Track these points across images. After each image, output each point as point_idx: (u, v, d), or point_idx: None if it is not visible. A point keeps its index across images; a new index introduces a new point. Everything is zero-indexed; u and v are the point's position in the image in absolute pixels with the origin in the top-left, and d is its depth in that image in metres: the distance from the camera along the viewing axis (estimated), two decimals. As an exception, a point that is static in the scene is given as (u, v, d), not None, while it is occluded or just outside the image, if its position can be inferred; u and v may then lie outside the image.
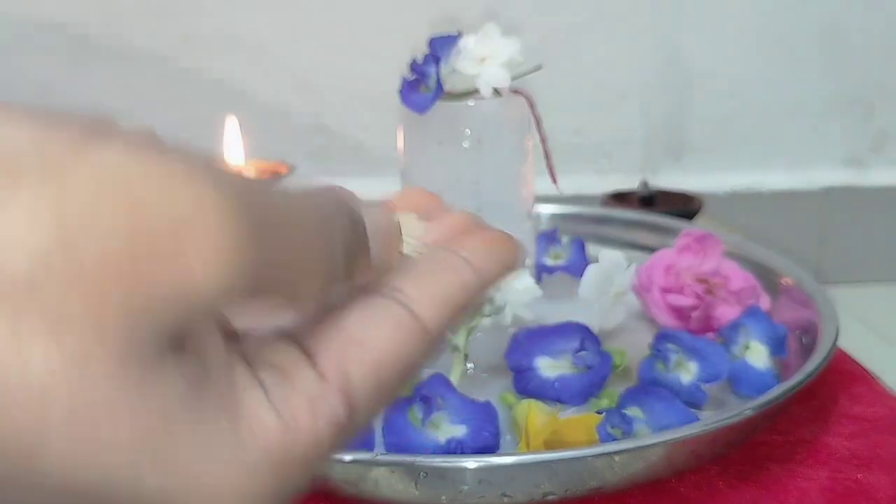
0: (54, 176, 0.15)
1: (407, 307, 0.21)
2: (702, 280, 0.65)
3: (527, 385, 0.56)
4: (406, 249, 0.23)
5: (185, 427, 0.16)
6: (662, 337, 0.58)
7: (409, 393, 0.52)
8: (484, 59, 0.62)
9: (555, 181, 0.73)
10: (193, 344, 0.17)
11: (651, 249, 0.78)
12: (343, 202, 0.21)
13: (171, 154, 0.16)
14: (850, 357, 0.65)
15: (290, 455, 0.18)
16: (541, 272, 0.71)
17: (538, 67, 0.66)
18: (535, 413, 0.50)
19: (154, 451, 0.16)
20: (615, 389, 0.55)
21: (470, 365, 0.58)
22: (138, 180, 0.15)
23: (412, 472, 0.44)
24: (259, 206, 0.17)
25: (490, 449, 0.49)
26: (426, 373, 0.54)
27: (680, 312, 0.65)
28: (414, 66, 0.63)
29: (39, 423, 0.15)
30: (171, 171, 0.16)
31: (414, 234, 0.24)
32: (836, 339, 0.58)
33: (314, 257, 0.19)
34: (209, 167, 0.16)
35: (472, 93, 0.64)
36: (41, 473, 0.15)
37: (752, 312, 0.61)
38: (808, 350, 0.58)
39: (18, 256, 0.14)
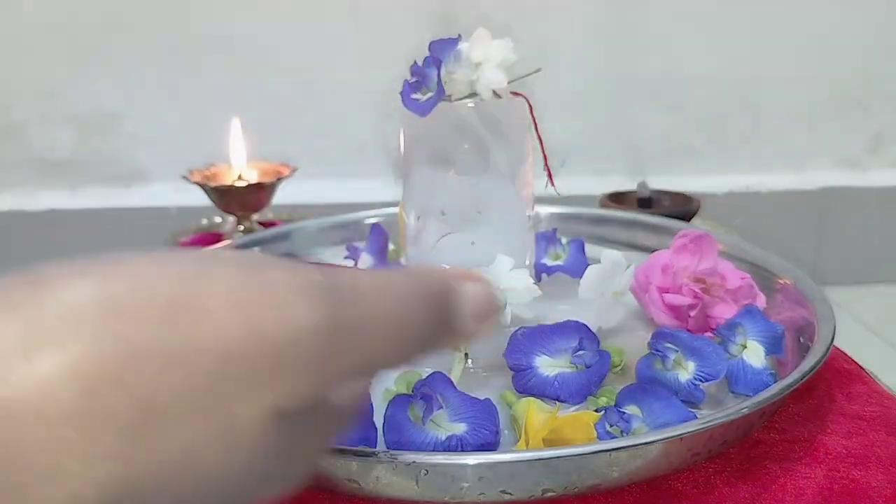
0: (206, 311, 0.19)
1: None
2: (699, 279, 0.65)
3: (526, 383, 0.56)
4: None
5: None
6: (660, 336, 0.58)
7: (409, 391, 0.53)
8: (479, 63, 0.63)
9: (552, 183, 0.74)
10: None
11: (649, 250, 0.78)
12: (428, 288, 0.25)
13: (282, 286, 0.21)
14: (847, 356, 0.65)
15: None
16: (540, 272, 0.71)
17: (538, 70, 0.66)
18: (534, 411, 0.51)
19: None
20: (613, 388, 0.55)
21: (469, 363, 0.58)
22: (260, 311, 0.20)
23: (413, 469, 0.45)
24: (346, 318, 0.22)
25: (490, 446, 0.49)
26: (426, 371, 0.54)
27: (677, 312, 0.65)
28: (415, 69, 0.63)
29: None
30: (284, 303, 0.21)
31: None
32: (832, 338, 0.58)
33: (388, 350, 0.23)
34: (308, 292, 0.21)
35: (472, 95, 0.64)
36: None
37: (749, 312, 0.61)
38: (805, 349, 0.59)
39: (194, 374, 0.18)
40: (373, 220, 0.86)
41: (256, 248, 0.82)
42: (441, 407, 0.50)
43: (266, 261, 0.21)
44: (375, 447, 0.50)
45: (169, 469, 0.18)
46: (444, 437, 0.49)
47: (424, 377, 0.53)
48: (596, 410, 0.52)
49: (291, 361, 0.20)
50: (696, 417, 0.51)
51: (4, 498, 0.16)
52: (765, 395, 0.51)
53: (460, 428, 0.50)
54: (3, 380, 0.16)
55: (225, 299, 0.19)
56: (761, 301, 0.67)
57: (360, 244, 0.73)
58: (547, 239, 0.75)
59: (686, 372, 0.56)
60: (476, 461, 0.45)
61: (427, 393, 0.50)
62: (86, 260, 0.19)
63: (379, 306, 0.23)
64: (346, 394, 0.23)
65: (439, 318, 0.25)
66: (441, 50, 0.63)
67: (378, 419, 0.51)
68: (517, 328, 0.57)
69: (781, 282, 0.69)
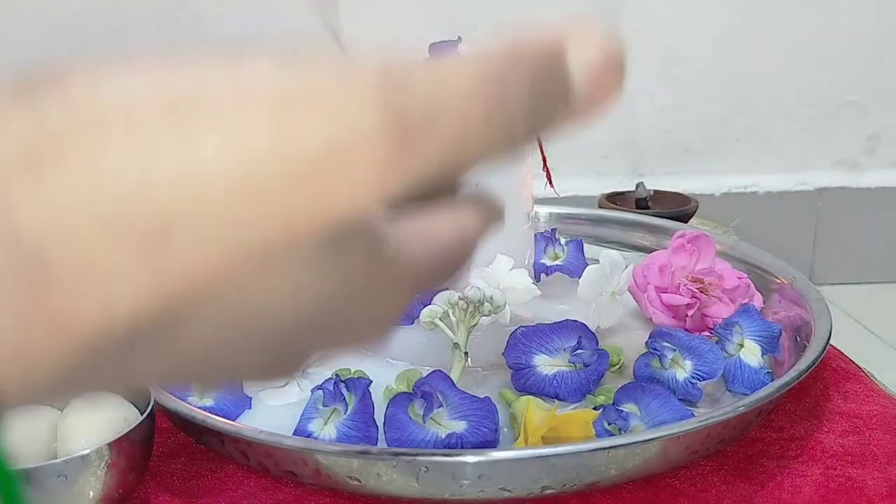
0: (227, 113, 0.16)
1: None
2: (696, 279, 0.65)
3: (525, 382, 0.56)
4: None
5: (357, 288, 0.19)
6: (658, 335, 0.58)
7: (410, 389, 0.53)
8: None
9: (551, 184, 0.74)
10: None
11: (647, 250, 0.78)
12: (521, 53, 0.19)
13: (319, 73, 0.17)
14: (843, 355, 0.65)
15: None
16: (539, 272, 0.72)
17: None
18: (533, 409, 0.51)
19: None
20: (612, 386, 0.55)
21: (469, 361, 0.58)
22: (297, 109, 0.16)
23: (413, 466, 0.45)
24: (410, 105, 0.17)
25: (489, 444, 0.50)
26: (426, 370, 0.55)
27: (675, 311, 0.65)
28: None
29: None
30: (325, 93, 0.17)
31: None
32: (829, 338, 0.58)
33: (477, 135, 0.18)
34: (357, 80, 0.17)
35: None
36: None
37: (747, 311, 0.61)
38: (801, 348, 0.59)
39: (216, 186, 0.16)
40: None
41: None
42: (441, 405, 0.51)
43: (303, 56, 0.17)
44: (376, 445, 0.50)
45: (199, 292, 0.16)
46: (444, 435, 0.50)
47: (424, 376, 0.53)
48: (594, 409, 0.52)
49: (335, 172, 0.16)
50: (694, 416, 0.51)
51: (38, 293, 0.15)
52: (761, 393, 0.51)
53: (460, 426, 0.50)
54: (3, 197, 0.14)
55: (250, 102, 0.16)
56: (758, 301, 0.68)
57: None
58: (546, 239, 0.75)
59: (683, 371, 0.57)
60: (476, 459, 0.45)
61: (427, 391, 0.51)
62: (92, 64, 0.16)
63: (453, 85, 0.18)
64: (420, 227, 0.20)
65: (544, 90, 0.19)
66: (442, 52, 0.63)
67: (379, 417, 0.51)
68: (516, 327, 0.58)
69: (778, 282, 0.69)
